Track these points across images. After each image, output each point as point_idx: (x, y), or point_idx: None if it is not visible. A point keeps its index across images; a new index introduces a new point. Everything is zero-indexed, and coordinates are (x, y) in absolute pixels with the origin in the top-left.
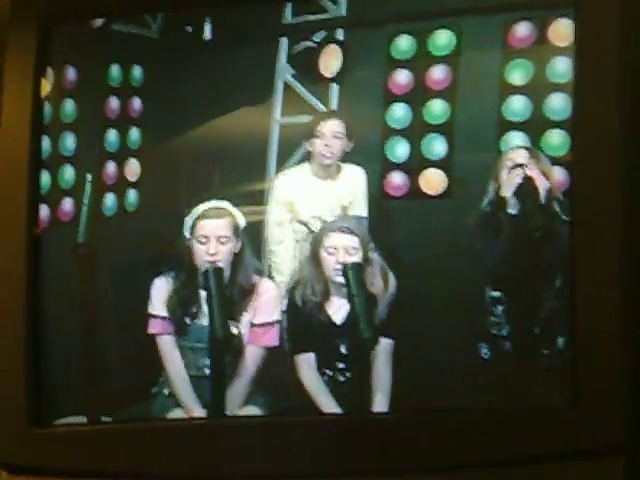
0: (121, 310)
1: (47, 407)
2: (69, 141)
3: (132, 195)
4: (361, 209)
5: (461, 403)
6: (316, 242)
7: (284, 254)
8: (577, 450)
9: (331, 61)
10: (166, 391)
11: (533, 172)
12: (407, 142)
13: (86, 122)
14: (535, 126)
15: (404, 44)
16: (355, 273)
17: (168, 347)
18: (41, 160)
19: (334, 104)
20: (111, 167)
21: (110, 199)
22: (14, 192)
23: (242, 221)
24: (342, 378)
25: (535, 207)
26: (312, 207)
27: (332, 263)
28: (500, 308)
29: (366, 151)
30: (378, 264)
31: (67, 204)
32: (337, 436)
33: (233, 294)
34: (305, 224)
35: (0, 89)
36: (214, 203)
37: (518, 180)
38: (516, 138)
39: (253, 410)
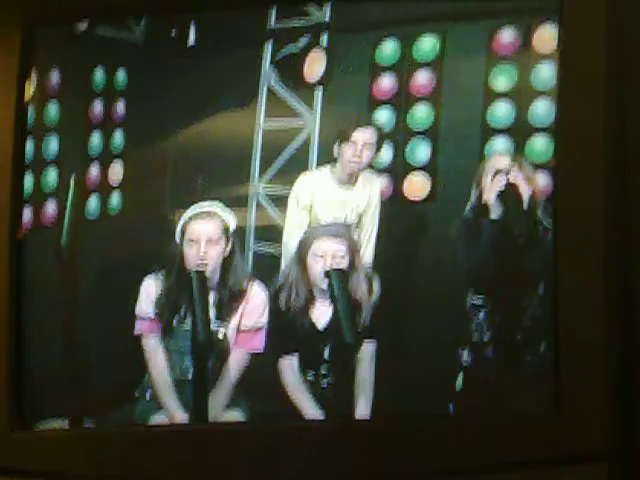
0: (104, 313)
1: (29, 410)
2: (53, 144)
3: (115, 198)
4: (375, 216)
5: (443, 409)
6: (304, 247)
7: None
8: (561, 456)
9: (315, 66)
10: (148, 394)
11: (516, 178)
12: (391, 147)
13: (70, 125)
14: (519, 132)
15: (388, 49)
16: (339, 279)
17: (153, 349)
18: (24, 163)
19: (318, 109)
20: (94, 170)
21: (93, 202)
22: None
23: (232, 223)
24: (325, 383)
25: (518, 213)
26: (331, 212)
27: (318, 268)
28: (482, 314)
29: None
30: (363, 270)
31: (50, 207)
32: (320, 442)
33: (222, 298)
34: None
35: None
36: (203, 206)
37: (501, 186)
38: (500, 144)
39: (236, 415)
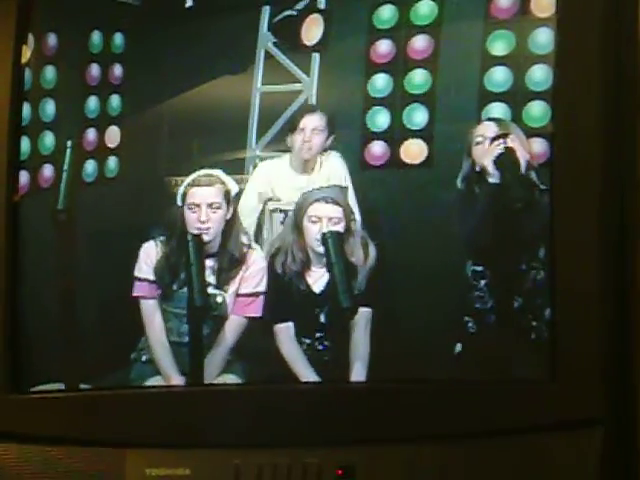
0: (100, 276)
1: (25, 373)
2: (49, 107)
3: (112, 162)
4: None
5: (439, 374)
6: (299, 211)
7: (268, 224)
8: (556, 422)
9: (312, 30)
10: (144, 357)
11: (514, 143)
12: (388, 112)
13: (67, 88)
14: (516, 97)
15: (386, 13)
16: (335, 241)
17: (151, 311)
18: (21, 126)
19: (315, 73)
20: (91, 134)
21: (90, 165)
22: None
23: (234, 188)
24: (321, 347)
25: (515, 178)
26: (290, 199)
27: (314, 232)
28: (482, 282)
29: (347, 120)
30: (359, 234)
31: (47, 170)
32: (315, 405)
33: (223, 262)
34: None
35: None
36: (205, 171)
37: (499, 151)
38: (497, 109)
39: (232, 378)
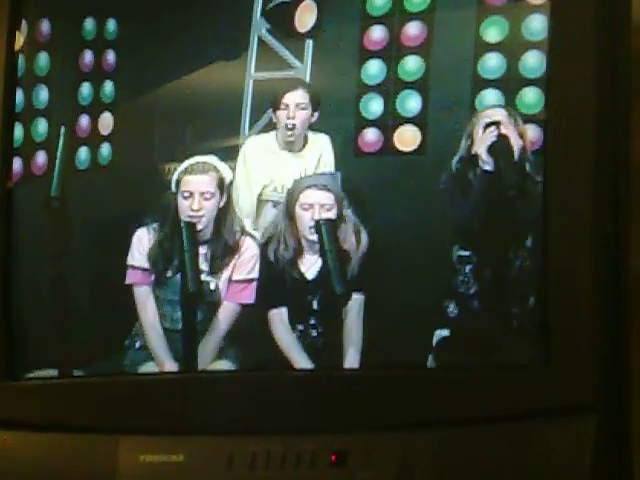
0: (94, 262)
1: (19, 360)
2: (43, 94)
3: (105, 149)
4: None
5: (432, 360)
6: (291, 198)
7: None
8: (548, 409)
9: (306, 16)
10: (138, 343)
11: (507, 130)
12: (381, 98)
13: (60, 75)
14: (510, 84)
15: (379, 0)
16: (328, 229)
17: (144, 298)
18: (14, 113)
19: (308, 60)
20: (84, 120)
21: (83, 152)
22: None
23: (228, 175)
24: (314, 334)
25: (509, 165)
26: (279, 178)
27: (307, 219)
28: (468, 267)
29: (340, 107)
30: (351, 221)
31: (40, 157)
32: (309, 391)
33: (216, 249)
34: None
35: None
36: (199, 158)
37: (492, 138)
38: (491, 95)
39: (225, 365)
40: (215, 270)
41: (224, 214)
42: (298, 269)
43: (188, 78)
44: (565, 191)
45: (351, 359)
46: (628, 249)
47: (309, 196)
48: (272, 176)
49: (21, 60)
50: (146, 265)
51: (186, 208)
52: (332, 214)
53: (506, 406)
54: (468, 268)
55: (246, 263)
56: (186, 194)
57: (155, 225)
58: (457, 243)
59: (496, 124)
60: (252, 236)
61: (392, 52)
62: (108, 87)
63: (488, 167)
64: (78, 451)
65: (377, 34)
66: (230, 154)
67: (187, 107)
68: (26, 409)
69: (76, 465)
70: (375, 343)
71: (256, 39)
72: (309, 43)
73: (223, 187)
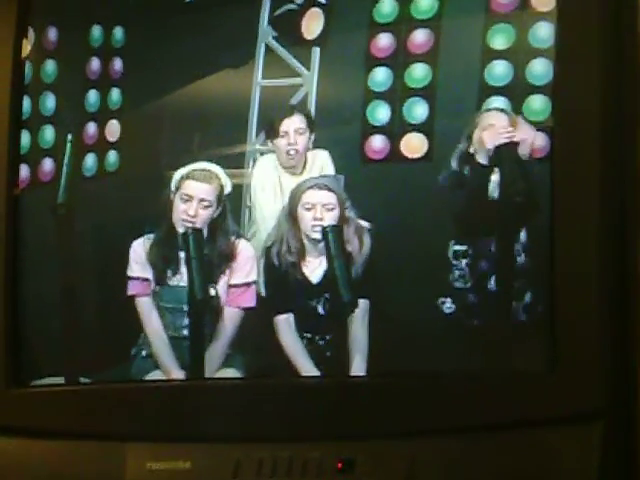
0: (100, 271)
1: (26, 367)
2: (50, 101)
3: (112, 156)
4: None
5: (436, 366)
6: (293, 199)
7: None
8: (556, 416)
9: (313, 24)
10: (144, 352)
11: (513, 136)
12: (388, 105)
13: (67, 82)
14: (517, 91)
15: (387, 7)
16: (335, 235)
17: (146, 308)
18: (22, 120)
19: (315, 67)
20: (91, 128)
21: (90, 159)
22: None
23: (228, 187)
24: (320, 341)
25: (513, 170)
26: (282, 196)
27: (309, 219)
28: (464, 261)
29: (347, 114)
30: (354, 224)
31: (47, 164)
32: (315, 399)
33: (212, 257)
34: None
35: None
36: (204, 165)
37: (497, 142)
38: (497, 102)
39: (232, 372)
40: (213, 277)
41: (218, 223)
42: (302, 272)
43: (195, 85)
44: (572, 196)
45: (357, 366)
46: (635, 254)
47: (311, 196)
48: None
49: (28, 67)
50: (145, 275)
51: (182, 212)
52: (334, 214)
53: (513, 413)
54: (464, 262)
55: (242, 267)
56: (185, 197)
57: (151, 234)
58: (455, 239)
59: (501, 129)
60: (247, 239)
61: (399, 59)
62: (115, 94)
63: (485, 161)
64: (85, 458)
65: (384, 41)
66: (235, 161)
67: (194, 114)
68: (33, 416)
69: (83, 472)
70: (381, 349)
71: (263, 47)
72: (316, 50)
73: (221, 198)
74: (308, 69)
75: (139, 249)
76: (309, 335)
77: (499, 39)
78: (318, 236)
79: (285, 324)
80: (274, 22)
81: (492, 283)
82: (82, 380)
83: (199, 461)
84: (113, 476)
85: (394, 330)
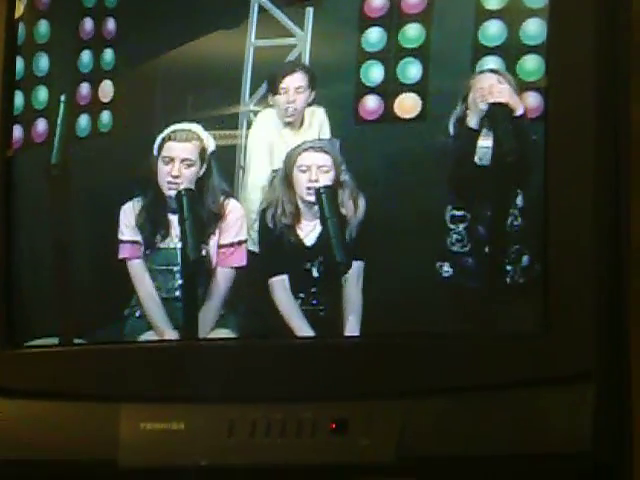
0: (93, 232)
1: (19, 328)
2: (43, 62)
3: (106, 116)
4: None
5: (430, 328)
6: (289, 162)
7: (256, 176)
8: (548, 376)
9: None
10: (138, 313)
11: (507, 96)
12: (382, 66)
13: (60, 43)
14: (510, 51)
15: None
16: (328, 197)
17: (138, 270)
18: (15, 81)
19: (309, 27)
20: (85, 88)
21: (84, 120)
22: None
23: (211, 145)
24: (314, 301)
25: (507, 130)
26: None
27: (304, 181)
28: (461, 226)
29: (340, 74)
30: (349, 186)
31: (41, 125)
32: (309, 359)
33: (202, 216)
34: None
35: None
36: (184, 125)
37: (491, 102)
38: (491, 62)
39: (225, 333)
40: (203, 237)
41: (204, 182)
42: (296, 235)
43: (188, 46)
44: (566, 156)
45: (351, 326)
46: (629, 217)
47: (306, 158)
48: (274, 150)
49: (21, 28)
50: (135, 238)
51: (165, 174)
52: (330, 176)
53: (507, 374)
54: (462, 226)
55: (231, 226)
56: (166, 159)
57: (140, 196)
58: (452, 203)
59: (495, 89)
60: (236, 198)
61: (393, 19)
62: (108, 55)
63: (484, 131)
64: (79, 419)
65: (378, 1)
66: (229, 122)
67: (187, 75)
68: (27, 377)
69: (77, 433)
70: (375, 310)
71: (256, 7)
72: (309, 11)
73: (204, 156)
74: (302, 29)
75: (129, 212)
76: (303, 296)
77: None
78: (313, 199)
79: (280, 285)
80: None
81: (489, 247)
82: (76, 340)
83: (193, 422)
84: (107, 436)
85: (389, 292)
